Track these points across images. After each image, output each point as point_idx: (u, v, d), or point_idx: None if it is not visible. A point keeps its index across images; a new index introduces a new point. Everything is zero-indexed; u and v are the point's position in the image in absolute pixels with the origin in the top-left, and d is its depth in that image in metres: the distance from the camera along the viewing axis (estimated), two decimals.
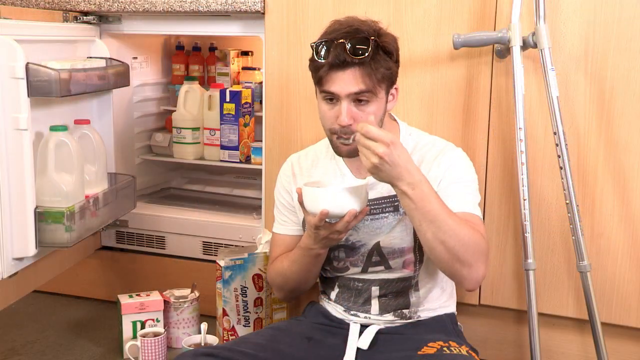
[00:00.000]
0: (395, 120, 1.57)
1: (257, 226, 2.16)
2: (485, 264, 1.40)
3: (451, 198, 1.42)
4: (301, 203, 1.38)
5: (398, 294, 1.54)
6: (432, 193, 1.33)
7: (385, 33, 1.43)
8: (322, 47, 1.40)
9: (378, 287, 1.54)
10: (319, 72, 1.40)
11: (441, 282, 1.56)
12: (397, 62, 1.45)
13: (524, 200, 1.61)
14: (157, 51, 2.64)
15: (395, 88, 1.47)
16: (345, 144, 1.43)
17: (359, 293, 1.55)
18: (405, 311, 1.54)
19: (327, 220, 1.35)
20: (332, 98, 1.41)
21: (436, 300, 1.56)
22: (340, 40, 1.37)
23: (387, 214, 1.50)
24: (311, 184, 1.44)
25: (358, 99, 1.39)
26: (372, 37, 1.37)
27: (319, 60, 1.39)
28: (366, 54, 1.36)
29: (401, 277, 1.52)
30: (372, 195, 1.47)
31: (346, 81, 1.37)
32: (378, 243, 1.50)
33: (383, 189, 1.48)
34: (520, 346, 1.85)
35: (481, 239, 1.39)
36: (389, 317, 1.54)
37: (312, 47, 1.42)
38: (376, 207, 1.49)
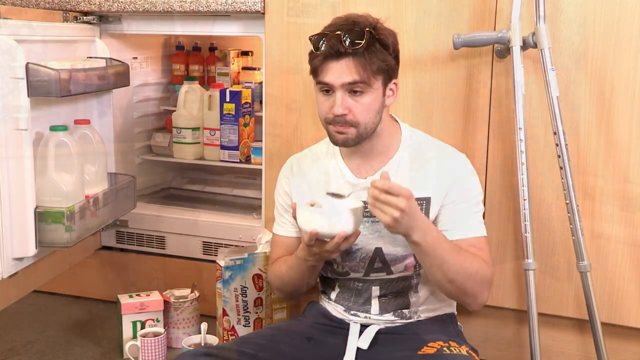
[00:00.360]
0: (396, 121, 1.57)
1: (257, 226, 2.16)
2: (488, 290, 1.47)
3: (459, 221, 1.47)
4: (295, 219, 1.40)
5: (398, 294, 1.54)
6: (440, 237, 1.39)
7: (383, 27, 1.44)
8: (319, 39, 1.42)
9: (378, 287, 1.54)
10: (315, 63, 1.42)
11: None
12: (395, 56, 1.45)
13: (524, 200, 1.61)
14: (157, 51, 2.64)
15: (395, 83, 1.47)
16: (340, 133, 1.44)
17: (359, 293, 1.55)
18: (405, 311, 1.54)
19: (318, 238, 1.36)
20: (328, 89, 1.42)
21: (436, 300, 1.56)
22: (337, 32, 1.39)
23: None
24: (308, 201, 1.45)
25: (353, 89, 1.40)
26: (368, 29, 1.39)
27: (315, 52, 1.41)
28: (360, 45, 1.37)
29: (401, 277, 1.52)
30: None
31: (340, 71, 1.39)
32: (380, 250, 1.49)
33: None
34: (520, 346, 1.85)
35: (486, 268, 1.44)
36: (389, 317, 1.54)
37: (310, 39, 1.43)
38: None
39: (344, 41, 1.37)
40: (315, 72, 1.43)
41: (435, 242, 1.36)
